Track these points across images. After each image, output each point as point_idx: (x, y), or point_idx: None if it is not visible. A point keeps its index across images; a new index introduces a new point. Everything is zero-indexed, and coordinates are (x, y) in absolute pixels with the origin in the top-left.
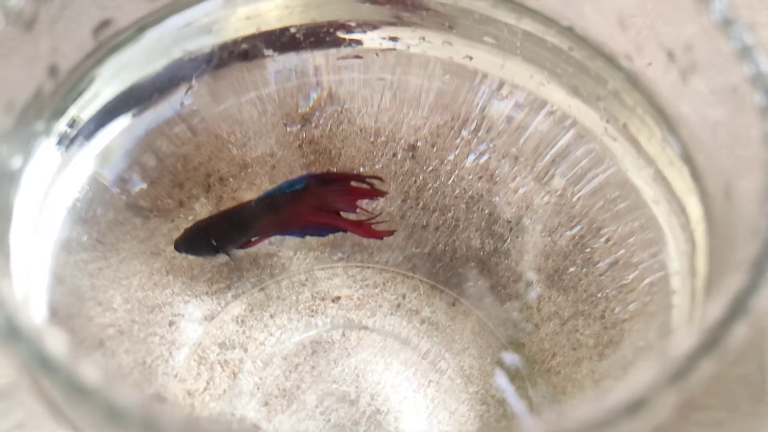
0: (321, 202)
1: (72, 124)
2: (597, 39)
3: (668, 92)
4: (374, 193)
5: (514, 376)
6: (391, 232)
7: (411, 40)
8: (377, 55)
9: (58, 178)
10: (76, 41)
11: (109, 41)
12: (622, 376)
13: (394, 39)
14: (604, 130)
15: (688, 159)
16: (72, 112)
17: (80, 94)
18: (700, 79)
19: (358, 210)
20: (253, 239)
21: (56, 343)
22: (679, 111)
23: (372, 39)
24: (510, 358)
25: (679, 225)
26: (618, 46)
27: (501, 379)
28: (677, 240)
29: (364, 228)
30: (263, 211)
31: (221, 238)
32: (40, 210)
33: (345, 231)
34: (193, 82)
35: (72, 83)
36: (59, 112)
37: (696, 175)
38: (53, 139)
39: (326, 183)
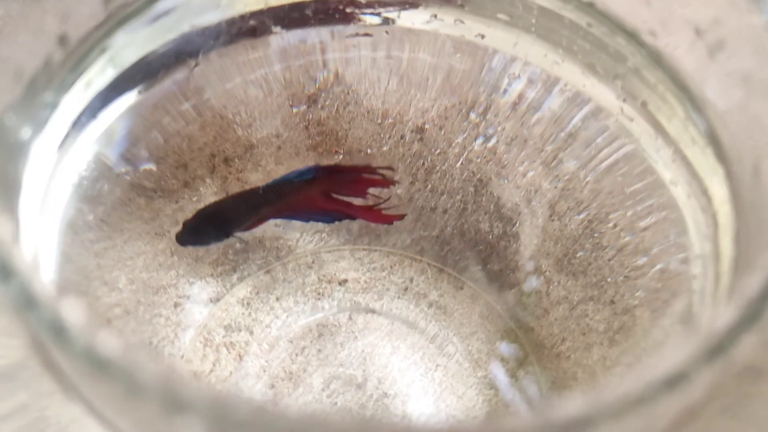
0: (330, 189)
1: (78, 99)
2: (618, 14)
3: (694, 69)
4: (385, 183)
5: (522, 360)
6: (401, 217)
7: (422, 17)
8: (387, 33)
9: (65, 155)
10: (86, 10)
11: (119, 12)
12: (635, 363)
13: (404, 16)
14: (620, 109)
15: (713, 138)
16: (80, 85)
17: (89, 66)
18: (728, 55)
19: (367, 196)
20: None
21: (73, 312)
22: (705, 89)
23: (382, 16)
24: (518, 342)
25: (699, 207)
26: (641, 22)
27: (508, 365)
28: (698, 223)
29: (374, 213)
30: (271, 196)
31: (227, 223)
32: (48, 185)
33: (353, 218)
34: (200, 58)
35: (81, 54)
36: (68, 85)
37: (721, 155)
38: (61, 113)
39: (334, 174)
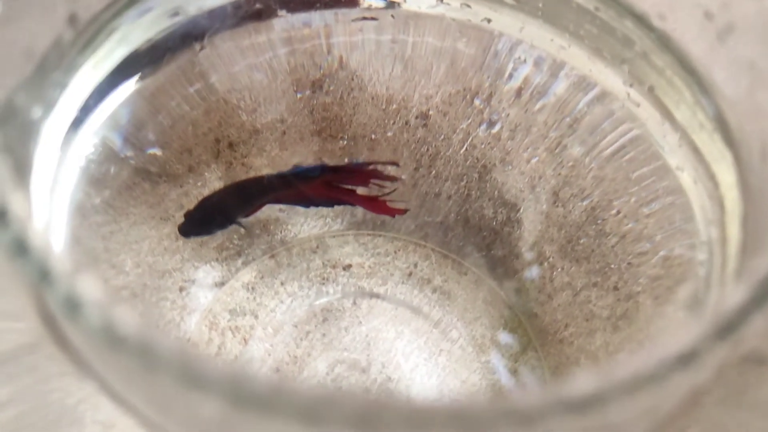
0: (334, 180)
1: (87, 80)
2: None
3: (702, 54)
4: (390, 178)
5: (525, 346)
6: (404, 211)
7: (428, 1)
8: (392, 17)
9: (73, 138)
10: None
11: None
12: (637, 349)
13: (411, 0)
14: (626, 95)
15: (721, 122)
16: (88, 66)
17: (98, 47)
18: (737, 39)
19: (370, 185)
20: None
21: (89, 288)
22: (714, 72)
23: (388, 0)
24: (521, 328)
25: (706, 192)
26: (650, 5)
27: (511, 350)
28: (704, 208)
29: (378, 204)
30: (276, 185)
31: (231, 210)
32: (57, 168)
33: (354, 206)
34: (205, 42)
35: (91, 35)
36: (77, 65)
37: (729, 139)
38: (69, 94)
39: (339, 172)
